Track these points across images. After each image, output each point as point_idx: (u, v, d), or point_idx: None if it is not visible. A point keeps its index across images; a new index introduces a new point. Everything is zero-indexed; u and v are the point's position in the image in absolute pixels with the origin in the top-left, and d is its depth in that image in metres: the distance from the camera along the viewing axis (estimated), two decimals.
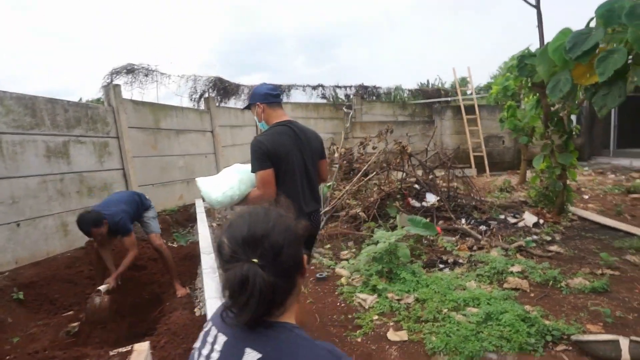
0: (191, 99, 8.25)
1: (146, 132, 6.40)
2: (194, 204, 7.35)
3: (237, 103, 10.00)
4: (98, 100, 6.11)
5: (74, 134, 4.95)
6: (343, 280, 4.27)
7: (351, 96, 12.58)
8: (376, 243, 4.35)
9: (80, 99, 5.10)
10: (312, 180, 2.53)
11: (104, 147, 5.46)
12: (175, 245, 5.78)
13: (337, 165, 7.48)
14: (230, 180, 2.44)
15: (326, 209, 6.38)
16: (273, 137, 2.35)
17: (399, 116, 13.34)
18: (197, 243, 5.14)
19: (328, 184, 6.81)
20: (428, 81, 15.21)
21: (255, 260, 0.91)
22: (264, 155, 2.29)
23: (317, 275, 4.35)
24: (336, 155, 7.06)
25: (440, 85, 15.79)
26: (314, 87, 12.01)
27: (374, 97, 13.15)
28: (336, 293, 3.97)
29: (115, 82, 6.11)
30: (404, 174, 6.62)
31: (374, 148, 7.32)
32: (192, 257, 4.69)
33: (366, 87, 12.80)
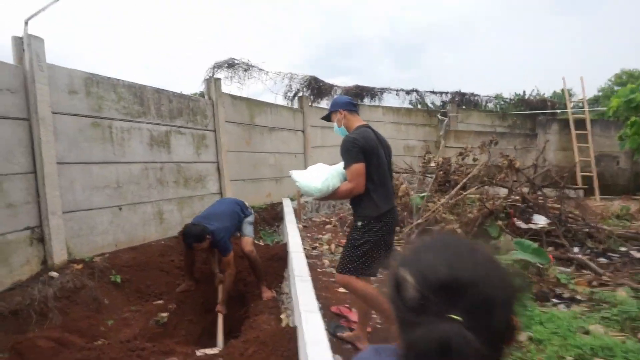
0: (285, 97, 8.24)
1: (241, 127, 6.43)
2: (280, 203, 7.27)
3: (328, 104, 9.84)
4: (195, 94, 6.19)
5: (175, 124, 5.04)
6: None
7: (447, 103, 11.87)
8: None
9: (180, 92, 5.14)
10: (390, 179, 2.79)
11: (201, 139, 5.53)
12: (261, 243, 5.69)
13: (431, 175, 6.97)
14: (326, 172, 2.68)
15: (418, 221, 5.92)
16: (364, 134, 2.59)
17: (498, 127, 12.34)
18: (284, 244, 4.98)
19: (422, 194, 6.35)
20: (524, 92, 13.90)
21: (457, 317, 0.60)
22: (359, 150, 2.51)
23: None
24: (432, 164, 6.56)
25: (538, 95, 14.42)
26: (408, 92, 11.48)
27: (472, 106, 12.29)
28: None
29: (216, 76, 6.19)
30: (509, 191, 5.94)
31: (474, 160, 6.71)
32: (278, 259, 4.52)
33: (463, 94, 12.00)
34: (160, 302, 3.81)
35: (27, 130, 3.36)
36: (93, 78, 3.98)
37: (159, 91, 4.82)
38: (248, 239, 4.15)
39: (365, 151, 2.53)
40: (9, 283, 3.11)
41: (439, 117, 11.52)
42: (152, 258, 4.29)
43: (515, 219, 5.44)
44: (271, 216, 6.83)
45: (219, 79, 5.88)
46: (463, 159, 6.78)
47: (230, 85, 6.89)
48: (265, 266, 4.52)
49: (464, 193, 5.99)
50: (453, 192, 5.97)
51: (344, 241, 5.08)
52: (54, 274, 3.31)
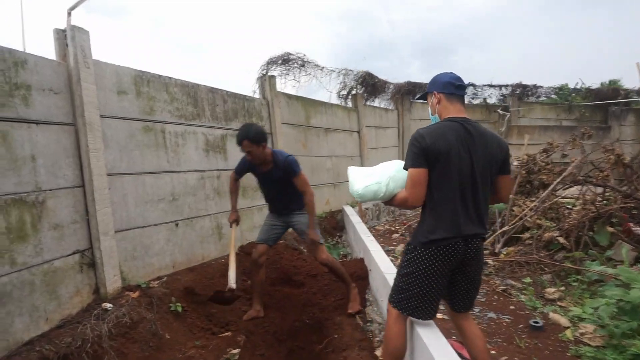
0: (339, 96, 7.60)
1: (297, 128, 5.85)
2: (340, 210, 6.64)
3: (381, 102, 9.17)
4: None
5: (231, 127, 4.51)
6: (568, 333, 3.05)
7: (506, 97, 10.91)
8: (619, 285, 3.06)
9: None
10: (481, 196, 2.01)
11: None
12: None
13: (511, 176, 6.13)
14: (380, 175, 2.21)
15: (504, 229, 5.12)
16: (436, 131, 1.98)
17: (564, 121, 11.26)
18: (360, 259, 4.33)
19: None
20: (580, 80, 12.51)
21: None
22: (420, 152, 1.95)
23: (531, 322, 3.18)
24: (515, 163, 5.74)
25: (612, 83, 13.09)
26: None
27: (535, 98, 11.25)
28: (569, 355, 2.79)
29: (270, 73, 5.65)
30: (613, 190, 5.04)
31: (563, 156, 5.84)
32: (357, 278, 3.87)
33: (525, 87, 10.99)
34: (228, 334, 3.24)
35: (73, 137, 2.87)
36: (143, 76, 3.49)
37: (212, 90, 4.30)
38: (320, 247, 3.44)
39: (429, 154, 1.93)
40: (58, 319, 2.61)
41: (500, 112, 10.57)
42: (213, 280, 3.75)
43: (630, 224, 4.56)
44: (332, 225, 6.21)
45: (273, 77, 5.32)
46: (548, 156, 5.91)
47: (284, 84, 6.32)
48: (339, 287, 3.89)
49: (560, 195, 5.14)
50: (544, 194, 5.13)
51: None
52: (108, 305, 2.79)
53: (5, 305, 2.33)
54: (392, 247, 5.42)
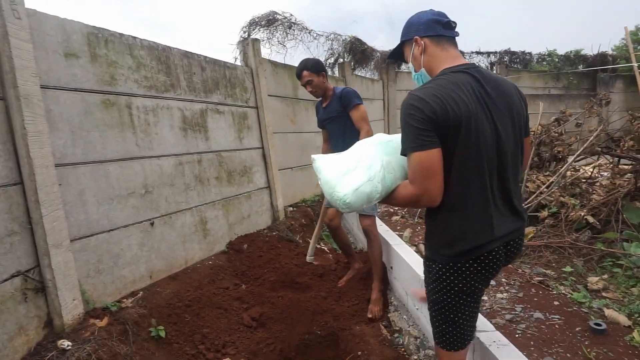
0: (326, 64, 6.82)
1: (285, 101, 5.10)
2: None
3: (366, 73, 8.44)
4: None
5: (211, 101, 3.73)
6: (636, 336, 2.57)
7: (494, 64, 10.41)
8: None
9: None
10: (510, 175, 1.43)
11: (242, 119, 4.22)
12: (325, 248, 4.45)
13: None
14: (368, 167, 1.50)
15: None
16: (441, 91, 1.32)
17: (552, 89, 10.92)
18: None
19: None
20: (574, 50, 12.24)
21: None
22: (426, 124, 1.29)
23: (592, 324, 2.68)
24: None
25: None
26: None
27: (523, 66, 10.82)
28: None
29: (253, 36, 4.83)
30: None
31: (578, 125, 5.36)
32: (366, 277, 3.28)
33: (513, 53, 10.50)
34: (227, 359, 2.59)
35: (3, 116, 2.07)
36: (99, 34, 2.66)
37: (188, 55, 3.50)
38: (367, 216, 3.13)
39: (440, 125, 1.30)
40: None
41: None
42: (201, 289, 3.06)
43: None
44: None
45: (257, 40, 4.51)
46: (559, 125, 5.43)
47: (269, 50, 5.50)
48: (351, 288, 3.30)
49: (580, 168, 4.68)
50: (564, 167, 4.65)
51: None
52: (66, 343, 2.07)
53: None
54: (397, 233, 4.85)
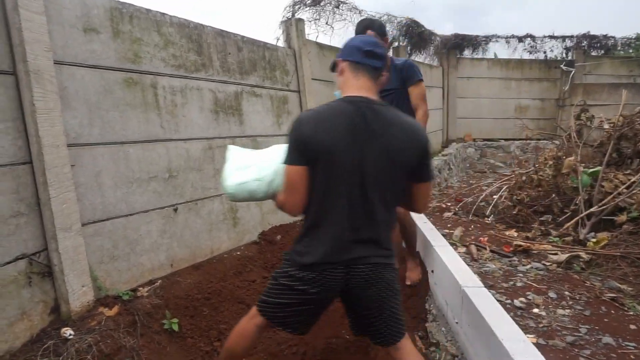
0: None
1: (330, 86, 4.81)
2: None
3: (426, 58, 7.91)
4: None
5: (247, 83, 3.54)
6: None
7: (571, 49, 9.38)
8: None
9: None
10: (376, 207, 1.53)
11: (282, 103, 4.00)
12: None
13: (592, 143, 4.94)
14: (262, 168, 1.69)
15: (592, 210, 4.03)
16: (321, 115, 1.52)
17: (638, 77, 9.66)
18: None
19: (591, 170, 4.40)
20: None
21: None
22: (296, 143, 1.51)
23: None
24: (605, 126, 4.55)
25: None
26: (520, 39, 9.13)
27: (603, 52, 9.66)
28: None
29: (297, 16, 4.58)
30: None
31: None
32: (404, 280, 2.95)
33: (593, 37, 9.37)
34: None
35: (13, 91, 1.98)
36: (124, 10, 2.53)
37: (223, 34, 3.32)
38: None
39: (308, 147, 1.48)
40: None
41: (563, 67, 9.11)
42: (225, 280, 2.90)
43: None
44: None
45: (301, 20, 4.27)
46: None
47: (316, 31, 5.24)
48: None
49: None
50: None
51: (484, 239, 3.47)
52: (68, 332, 1.97)
53: None
54: (446, 231, 4.43)
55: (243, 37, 3.54)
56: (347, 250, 1.53)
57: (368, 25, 2.74)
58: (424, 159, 1.58)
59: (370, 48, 1.56)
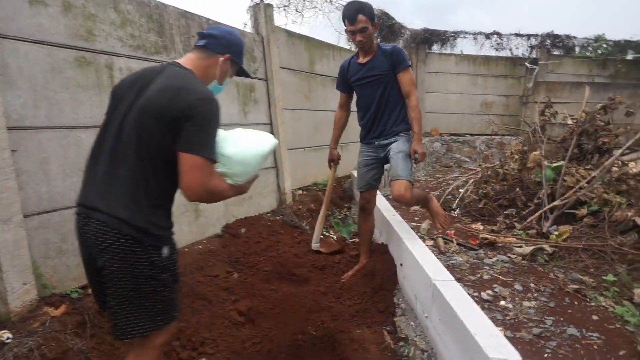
0: (348, 39, 6.33)
1: (299, 75, 4.69)
2: (348, 176, 5.61)
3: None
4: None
5: None
6: None
7: (534, 48, 9.61)
8: None
9: None
10: (125, 159, 1.42)
11: (249, 91, 3.85)
12: (333, 237, 4.07)
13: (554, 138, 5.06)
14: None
15: (554, 203, 4.11)
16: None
17: (596, 77, 10.03)
18: (377, 244, 3.32)
19: (555, 165, 4.49)
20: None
21: None
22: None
23: None
24: (569, 122, 4.65)
25: None
26: (488, 35, 9.27)
27: (565, 51, 9.95)
28: None
29: (267, 1, 4.41)
30: None
31: (628, 114, 4.76)
32: (377, 273, 2.90)
33: (556, 37, 9.63)
34: (203, 359, 2.27)
35: None
36: None
37: (186, 16, 3.13)
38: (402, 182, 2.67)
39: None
40: None
41: (528, 65, 9.33)
42: (185, 276, 2.74)
43: None
44: (338, 195, 5.17)
45: (270, 5, 4.12)
46: (606, 113, 4.81)
47: (286, 19, 5.08)
48: (355, 285, 2.93)
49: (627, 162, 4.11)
50: (610, 160, 4.08)
51: (451, 232, 3.60)
52: (5, 335, 1.78)
53: None
54: (414, 224, 4.42)
55: (208, 19, 3.37)
56: (87, 193, 1.56)
57: (358, 9, 2.56)
58: (184, 119, 1.38)
59: (201, 32, 1.67)
